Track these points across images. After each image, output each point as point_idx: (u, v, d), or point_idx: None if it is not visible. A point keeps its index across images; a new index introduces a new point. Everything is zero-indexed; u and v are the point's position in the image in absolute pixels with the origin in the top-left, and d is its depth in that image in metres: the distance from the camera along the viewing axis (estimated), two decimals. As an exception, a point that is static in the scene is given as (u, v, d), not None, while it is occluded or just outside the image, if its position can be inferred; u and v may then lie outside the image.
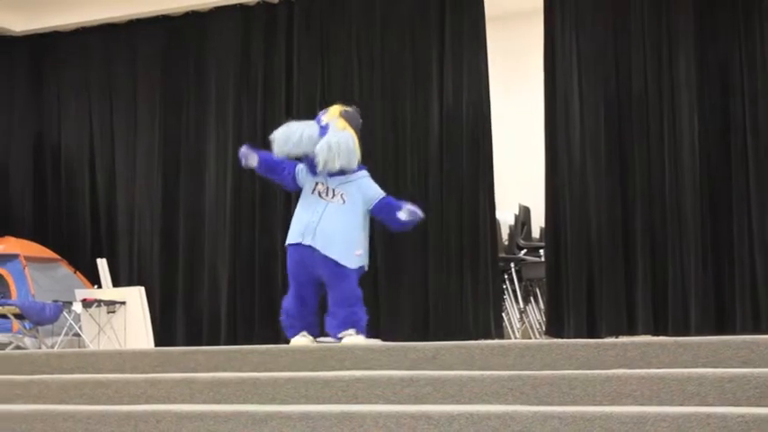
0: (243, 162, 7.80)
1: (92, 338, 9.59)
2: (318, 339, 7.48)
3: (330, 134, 7.38)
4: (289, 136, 7.44)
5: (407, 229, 7.82)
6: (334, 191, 7.42)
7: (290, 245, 7.46)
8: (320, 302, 7.60)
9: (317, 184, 7.47)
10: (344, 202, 7.39)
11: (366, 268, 7.53)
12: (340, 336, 7.24)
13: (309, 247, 7.30)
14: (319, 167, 7.36)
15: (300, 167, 7.60)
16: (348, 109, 7.71)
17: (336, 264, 7.28)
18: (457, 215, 9.82)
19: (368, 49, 10.41)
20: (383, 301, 9.94)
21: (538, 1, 9.75)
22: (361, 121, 7.77)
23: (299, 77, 10.65)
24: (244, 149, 7.78)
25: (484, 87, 9.87)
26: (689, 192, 8.99)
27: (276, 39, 10.81)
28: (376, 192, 7.51)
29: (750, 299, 8.73)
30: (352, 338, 7.18)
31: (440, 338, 8.11)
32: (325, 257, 7.27)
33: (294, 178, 7.64)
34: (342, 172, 7.41)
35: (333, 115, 7.56)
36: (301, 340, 7.38)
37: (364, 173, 7.57)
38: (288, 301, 7.54)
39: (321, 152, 7.30)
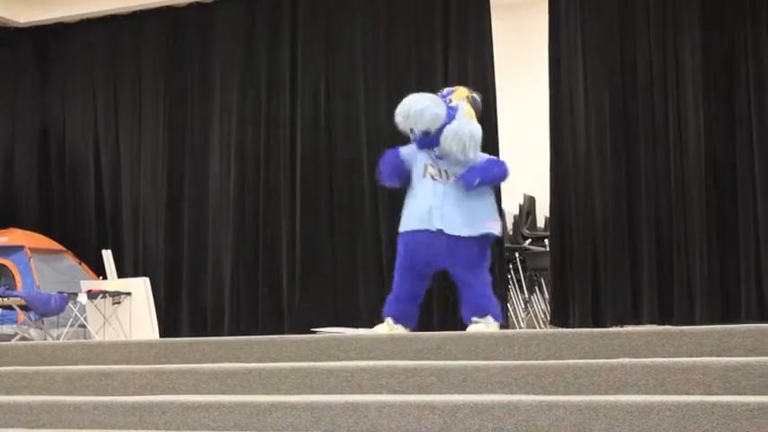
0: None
1: (97, 329, 9.61)
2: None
3: (461, 122, 7.12)
4: (419, 112, 7.10)
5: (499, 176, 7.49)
6: (446, 172, 7.20)
7: (410, 231, 7.19)
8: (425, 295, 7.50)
9: (426, 166, 7.24)
10: None
11: (494, 240, 7.32)
12: (473, 321, 7.03)
13: (438, 232, 7.07)
14: (441, 153, 7.15)
15: (404, 152, 7.37)
16: (476, 95, 7.50)
17: (466, 240, 7.06)
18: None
19: (372, 40, 10.39)
20: (388, 291, 9.93)
21: (543, -11, 9.75)
22: (481, 107, 7.56)
23: (304, 69, 10.63)
24: (387, 182, 7.57)
25: (489, 77, 9.85)
26: (694, 181, 8.97)
27: (281, 29, 10.79)
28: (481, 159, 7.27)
29: (755, 288, 8.71)
30: (478, 326, 6.94)
31: (444, 328, 8.10)
32: (453, 238, 7.04)
33: (404, 166, 7.41)
34: None
35: (460, 97, 7.34)
36: (381, 328, 7.19)
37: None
38: (396, 287, 7.31)
39: (450, 141, 7.07)
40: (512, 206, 10.72)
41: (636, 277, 9.10)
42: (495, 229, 7.25)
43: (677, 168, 9.04)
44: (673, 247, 9.00)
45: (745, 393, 4.75)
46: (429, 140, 7.20)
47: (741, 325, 5.86)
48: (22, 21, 11.85)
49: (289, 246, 10.39)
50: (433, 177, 7.24)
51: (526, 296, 10.10)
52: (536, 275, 10.18)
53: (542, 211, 10.61)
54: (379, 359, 5.86)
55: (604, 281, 9.18)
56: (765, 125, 8.85)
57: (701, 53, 9.09)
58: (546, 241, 10.09)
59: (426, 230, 7.13)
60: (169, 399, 5.51)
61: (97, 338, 9.42)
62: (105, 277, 10.05)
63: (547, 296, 9.93)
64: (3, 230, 10.70)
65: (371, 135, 10.08)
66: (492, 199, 7.40)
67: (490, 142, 9.74)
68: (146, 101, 11.44)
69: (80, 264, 10.74)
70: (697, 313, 8.77)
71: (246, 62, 10.93)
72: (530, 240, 10.40)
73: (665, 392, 4.87)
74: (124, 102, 11.56)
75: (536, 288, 10.21)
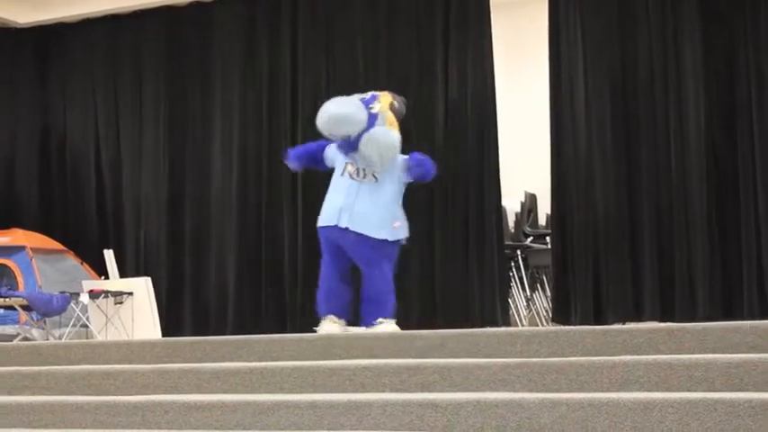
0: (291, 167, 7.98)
1: (99, 329, 9.61)
2: (348, 328, 7.39)
3: (380, 131, 7.30)
4: (338, 118, 7.34)
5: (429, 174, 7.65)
6: (364, 171, 7.37)
7: (324, 227, 7.41)
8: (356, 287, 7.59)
9: (346, 164, 7.43)
10: (377, 180, 7.34)
11: (404, 241, 7.52)
12: (374, 323, 7.20)
13: (345, 229, 7.25)
14: (360, 164, 7.35)
15: (330, 148, 7.59)
16: (396, 103, 7.60)
17: (376, 241, 7.25)
18: (463, 203, 9.81)
19: (372, 39, 10.39)
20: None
21: (543, -13, 9.74)
22: (404, 110, 7.70)
23: (304, 68, 10.63)
24: (289, 162, 7.89)
25: (489, 75, 9.85)
26: (695, 177, 8.97)
27: (281, 29, 10.79)
28: (401, 159, 7.46)
29: (757, 284, 8.71)
30: (384, 326, 7.13)
31: (446, 326, 8.10)
32: (363, 237, 7.23)
33: (324, 159, 7.67)
34: None
35: (384, 105, 7.46)
36: (329, 327, 7.30)
37: None
38: (323, 280, 7.47)
39: (368, 147, 7.25)
40: (513, 204, 10.72)
41: (638, 274, 9.10)
42: (400, 232, 7.42)
43: (678, 164, 9.04)
44: (674, 243, 8.99)
45: (748, 390, 4.75)
46: (348, 144, 7.39)
47: (744, 321, 5.87)
48: (21, 21, 11.85)
49: (291, 244, 10.39)
50: (351, 176, 7.42)
51: (528, 294, 10.10)
52: (538, 273, 10.18)
53: (544, 209, 10.61)
54: (382, 357, 5.86)
55: (606, 278, 9.18)
56: (766, 121, 8.84)
57: (701, 47, 9.09)
58: (547, 239, 10.08)
59: (336, 226, 7.31)
60: (171, 398, 5.51)
61: (99, 338, 9.42)
62: (107, 277, 10.04)
63: (549, 294, 9.93)
64: (4, 231, 10.69)
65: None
66: (400, 201, 7.52)
67: (490, 140, 9.78)
68: (146, 100, 11.44)
69: (82, 263, 10.74)
70: (699, 310, 8.77)
71: (247, 61, 10.93)
72: (531, 238, 10.40)
73: (668, 389, 4.87)
74: (125, 101, 11.56)
75: (538, 286, 10.20)
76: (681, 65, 9.14)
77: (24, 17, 11.83)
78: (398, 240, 7.46)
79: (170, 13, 11.35)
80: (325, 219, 7.43)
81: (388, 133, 7.35)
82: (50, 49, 11.96)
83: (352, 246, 7.31)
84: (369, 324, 7.23)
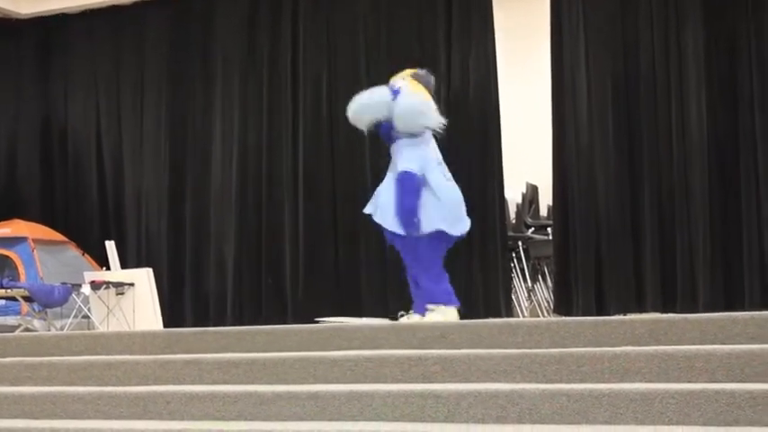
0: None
1: (101, 320, 9.61)
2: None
3: (403, 97, 7.17)
4: (361, 103, 7.27)
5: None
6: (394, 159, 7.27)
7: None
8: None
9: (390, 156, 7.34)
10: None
11: (446, 231, 7.21)
12: (425, 309, 7.01)
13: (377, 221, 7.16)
14: (399, 129, 7.16)
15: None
16: (419, 71, 7.45)
17: (399, 234, 7.09)
18: (465, 193, 9.77)
19: (374, 30, 10.38)
20: (392, 281, 9.93)
21: (544, -22, 9.73)
22: (432, 80, 7.49)
23: (305, 59, 10.63)
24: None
25: (491, 65, 9.85)
26: (697, 168, 8.97)
27: (282, 20, 10.78)
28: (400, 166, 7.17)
29: (758, 275, 8.71)
30: (434, 314, 6.93)
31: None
32: (387, 231, 7.11)
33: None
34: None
35: (403, 77, 7.35)
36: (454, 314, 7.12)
37: (408, 141, 7.20)
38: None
39: (399, 118, 7.13)
40: (514, 195, 10.72)
41: (639, 265, 9.11)
42: (424, 224, 7.19)
43: (680, 155, 9.04)
44: (675, 234, 9.00)
45: (749, 381, 4.75)
46: (385, 132, 7.25)
47: (744, 312, 5.86)
48: (24, 12, 11.84)
49: (291, 235, 10.40)
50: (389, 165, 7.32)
51: (529, 285, 10.10)
52: (539, 264, 10.17)
53: (545, 200, 10.61)
54: (383, 348, 5.86)
55: (607, 269, 9.18)
56: (767, 110, 8.83)
57: (703, 38, 9.08)
58: (549, 230, 10.08)
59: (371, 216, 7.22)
60: (173, 389, 5.52)
61: (101, 329, 9.43)
62: (108, 268, 10.04)
63: (550, 285, 9.93)
64: (6, 222, 10.70)
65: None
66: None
67: (493, 131, 9.77)
68: (148, 91, 11.44)
69: (83, 255, 10.74)
70: (700, 301, 8.77)
71: (248, 52, 10.92)
72: (533, 229, 10.39)
73: (669, 380, 4.88)
74: (126, 92, 11.55)
75: (539, 277, 10.20)
76: (683, 54, 9.13)
77: (27, 8, 11.83)
78: (432, 233, 7.20)
79: (172, 4, 11.34)
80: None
81: (410, 96, 7.18)
82: (52, 40, 11.96)
83: (388, 234, 7.15)
84: (420, 312, 7.07)
